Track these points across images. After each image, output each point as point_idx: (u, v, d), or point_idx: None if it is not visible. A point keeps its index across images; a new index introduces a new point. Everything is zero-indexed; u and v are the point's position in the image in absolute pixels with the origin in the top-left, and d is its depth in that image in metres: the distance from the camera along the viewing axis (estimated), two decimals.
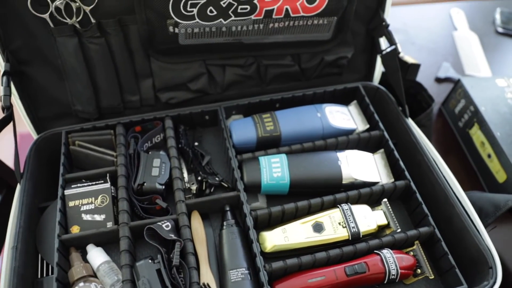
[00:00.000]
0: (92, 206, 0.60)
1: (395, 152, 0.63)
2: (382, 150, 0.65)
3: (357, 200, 0.60)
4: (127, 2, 0.61)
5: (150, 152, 0.65)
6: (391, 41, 0.74)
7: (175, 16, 0.62)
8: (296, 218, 0.58)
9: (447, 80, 0.98)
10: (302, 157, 0.62)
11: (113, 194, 0.61)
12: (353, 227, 0.55)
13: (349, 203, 0.58)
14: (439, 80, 0.98)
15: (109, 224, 0.59)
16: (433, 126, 0.89)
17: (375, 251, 0.54)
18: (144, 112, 0.72)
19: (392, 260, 0.53)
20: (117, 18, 0.63)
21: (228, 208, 0.61)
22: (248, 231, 0.57)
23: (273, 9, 0.64)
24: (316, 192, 0.60)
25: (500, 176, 0.73)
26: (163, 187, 0.62)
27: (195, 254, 0.57)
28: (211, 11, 0.63)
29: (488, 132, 0.76)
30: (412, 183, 0.60)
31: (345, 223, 0.55)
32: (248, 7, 0.63)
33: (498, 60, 1.02)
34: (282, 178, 0.59)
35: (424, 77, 0.93)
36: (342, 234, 0.55)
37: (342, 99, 0.72)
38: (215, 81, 0.73)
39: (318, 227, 0.55)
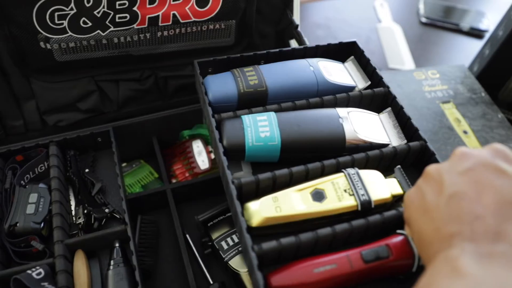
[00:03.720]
0: None
1: (405, 110, 0.52)
2: (389, 108, 0.53)
3: (365, 165, 0.48)
4: None
5: (27, 186, 0.57)
6: (301, 43, 0.69)
7: (42, 30, 0.55)
8: (291, 186, 0.45)
9: None
10: (295, 114, 0.50)
11: None
12: (362, 195, 0.43)
13: (356, 167, 0.46)
14: None
15: None
16: None
17: (397, 231, 0.42)
18: (32, 138, 0.63)
19: None
20: None
21: (117, 245, 0.54)
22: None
23: (158, 16, 0.58)
24: (312, 158, 0.47)
25: None
26: (41, 225, 0.54)
27: None
28: (84, 23, 0.55)
29: None
30: (429, 144, 0.49)
31: (352, 190, 0.43)
32: (128, 15, 0.57)
33: (422, 51, 0.99)
34: (271, 138, 0.47)
35: None
36: (349, 203, 0.42)
37: (337, 57, 0.60)
38: (108, 98, 0.66)
39: (318, 195, 0.43)
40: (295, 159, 0.48)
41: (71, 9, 0.54)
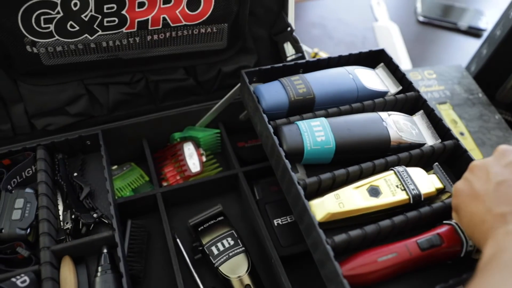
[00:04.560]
0: None
1: (436, 112, 0.57)
2: (421, 111, 0.58)
3: (407, 163, 0.54)
4: None
5: (13, 191, 0.56)
6: (298, 49, 0.68)
7: (28, 34, 0.54)
8: (347, 185, 0.50)
9: None
10: (343, 120, 0.54)
11: None
12: (413, 189, 0.48)
13: (403, 165, 0.51)
14: None
15: None
16: None
17: (443, 221, 0.48)
18: (20, 141, 0.63)
19: None
20: None
21: (105, 251, 0.54)
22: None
23: (147, 19, 0.57)
24: (360, 159, 0.52)
25: None
26: (27, 231, 0.53)
27: None
28: (72, 26, 0.55)
29: None
30: (461, 142, 0.54)
31: (403, 186, 0.49)
32: (116, 19, 0.56)
33: (420, 51, 0.98)
34: (327, 142, 0.51)
35: None
36: (402, 197, 0.48)
37: (366, 63, 0.65)
38: (98, 102, 0.65)
39: (374, 191, 0.49)
40: (345, 160, 0.53)
41: (58, 12, 0.53)
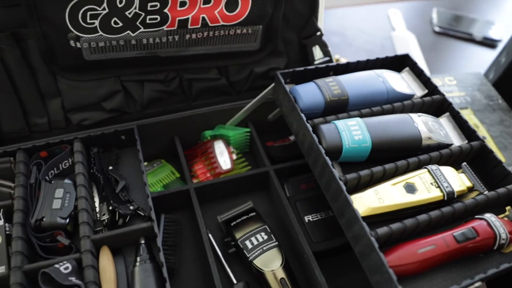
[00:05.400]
0: None
1: (461, 115, 0.60)
2: (447, 113, 0.61)
3: (438, 162, 0.56)
4: (18, 14, 0.55)
5: (53, 182, 0.57)
6: (326, 53, 0.70)
7: (74, 29, 0.55)
8: (382, 181, 0.53)
9: None
10: (378, 120, 0.56)
11: (7, 232, 0.53)
12: (446, 187, 0.51)
13: (435, 164, 0.54)
14: None
15: (2, 269, 0.51)
16: None
17: (475, 216, 0.50)
18: (54, 136, 0.64)
19: (499, 224, 0.48)
20: (10, 32, 0.56)
21: (142, 242, 0.55)
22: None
23: (188, 18, 0.59)
24: (393, 157, 0.55)
25: None
26: (66, 221, 0.54)
27: None
28: (115, 23, 0.56)
29: None
30: (486, 143, 0.57)
31: (437, 183, 0.51)
32: (158, 17, 0.58)
33: (436, 59, 1.01)
34: (364, 141, 0.53)
35: None
36: (436, 194, 0.51)
37: (391, 68, 0.68)
38: (133, 98, 0.67)
39: (410, 188, 0.51)
40: (378, 158, 0.55)
41: (104, 9, 0.55)
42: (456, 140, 0.59)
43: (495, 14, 1.15)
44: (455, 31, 1.07)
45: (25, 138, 0.65)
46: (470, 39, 1.06)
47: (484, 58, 0.99)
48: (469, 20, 1.10)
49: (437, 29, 1.08)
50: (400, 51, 1.01)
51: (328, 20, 1.08)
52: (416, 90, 0.65)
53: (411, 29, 1.08)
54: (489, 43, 1.05)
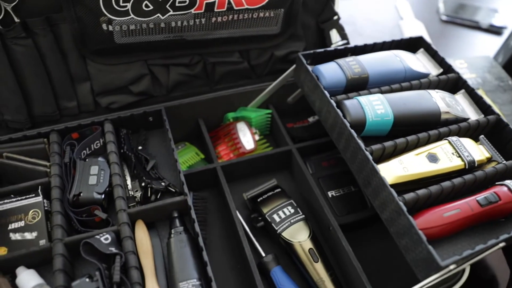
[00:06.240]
0: (21, 224, 0.54)
1: (476, 91, 0.63)
2: (462, 90, 0.64)
3: (456, 134, 0.58)
4: None
5: (87, 160, 0.59)
6: (343, 36, 0.72)
7: (107, 12, 0.58)
8: (405, 152, 0.55)
9: None
10: (398, 96, 0.59)
11: (46, 208, 0.56)
12: (467, 156, 0.53)
13: (455, 136, 0.56)
14: None
15: (42, 242, 0.53)
16: None
17: (496, 183, 0.53)
18: (83, 119, 0.66)
19: None
20: (44, 16, 0.58)
21: (176, 215, 0.57)
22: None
23: (214, 2, 0.61)
24: (413, 131, 0.57)
25: None
26: (102, 196, 0.56)
27: (140, 267, 0.52)
28: (146, 6, 0.59)
29: None
30: (502, 117, 0.59)
31: (458, 153, 0.54)
32: (187, 0, 0.60)
33: (445, 46, 1.04)
34: (386, 114, 0.56)
35: None
36: (458, 163, 0.53)
37: (406, 49, 0.70)
38: (159, 82, 0.69)
39: (433, 158, 0.53)
40: (399, 132, 0.57)
41: None
42: (472, 115, 0.61)
43: (499, 2, 1.18)
44: (462, 19, 1.10)
45: (55, 121, 0.67)
46: (477, 27, 1.09)
47: (491, 44, 1.01)
48: (474, 8, 1.13)
49: (444, 17, 1.11)
50: None
51: (338, 10, 1.11)
52: (431, 69, 0.67)
53: (418, 19, 1.11)
54: (495, 30, 1.08)
